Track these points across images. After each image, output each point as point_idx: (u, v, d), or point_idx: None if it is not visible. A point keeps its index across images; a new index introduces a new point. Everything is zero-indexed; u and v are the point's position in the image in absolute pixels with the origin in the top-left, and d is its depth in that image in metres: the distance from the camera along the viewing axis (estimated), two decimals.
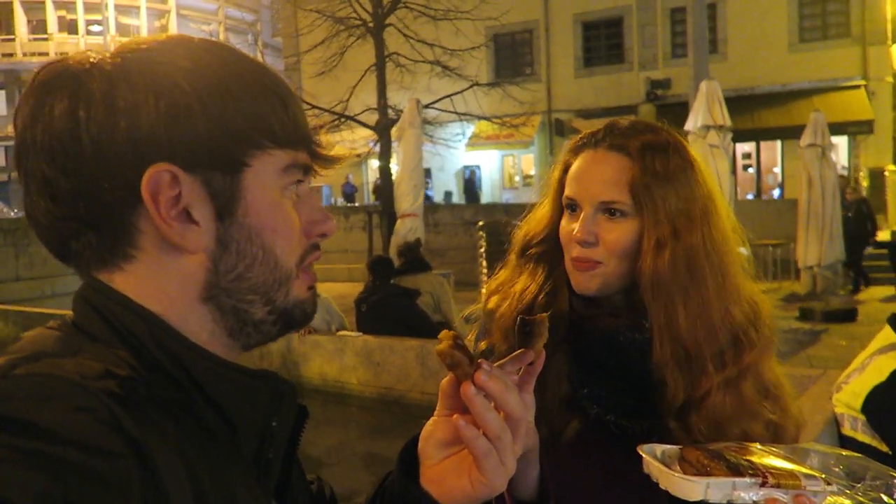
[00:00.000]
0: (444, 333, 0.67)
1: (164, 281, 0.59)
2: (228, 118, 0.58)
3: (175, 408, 0.55)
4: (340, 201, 19.49)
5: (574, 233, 0.97)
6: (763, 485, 0.75)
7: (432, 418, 0.70)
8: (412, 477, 0.69)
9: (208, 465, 0.55)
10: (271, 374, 0.62)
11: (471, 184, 19.02)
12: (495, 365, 0.68)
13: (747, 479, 0.75)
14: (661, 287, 0.93)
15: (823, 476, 0.78)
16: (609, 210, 0.97)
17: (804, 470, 0.78)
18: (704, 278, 0.95)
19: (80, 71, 0.57)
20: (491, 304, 1.06)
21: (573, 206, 1.00)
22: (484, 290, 1.12)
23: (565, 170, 1.04)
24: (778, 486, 0.75)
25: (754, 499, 0.75)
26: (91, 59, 0.58)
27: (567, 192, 1.01)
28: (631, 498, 0.88)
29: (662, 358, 0.93)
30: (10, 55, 29.68)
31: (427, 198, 13.62)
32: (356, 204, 18.48)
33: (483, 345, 1.03)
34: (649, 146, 0.98)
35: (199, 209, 0.58)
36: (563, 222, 1.02)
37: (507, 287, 1.07)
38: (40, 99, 0.56)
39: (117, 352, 0.56)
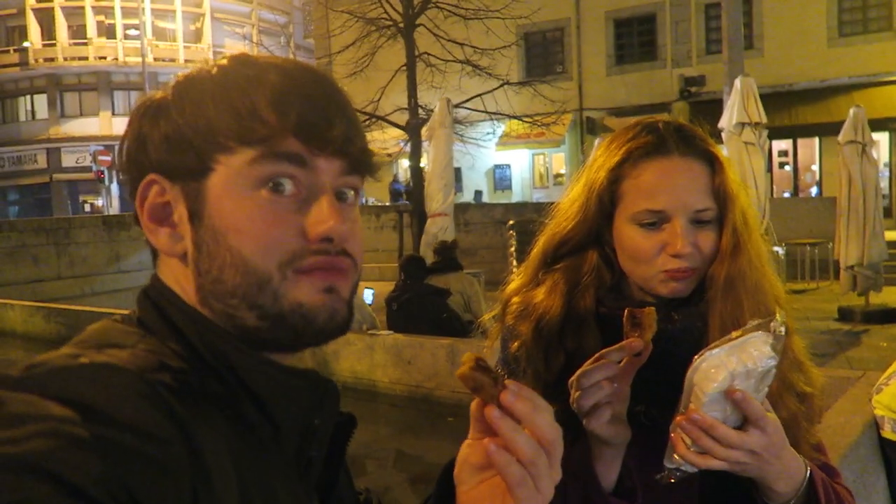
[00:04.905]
0: (465, 356, 0.62)
1: (180, 282, 0.64)
2: (196, 127, 0.61)
3: (222, 402, 0.57)
4: (372, 200, 19.56)
5: (679, 248, 0.96)
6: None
7: (466, 441, 0.67)
8: (449, 503, 0.68)
9: (251, 459, 0.57)
10: (312, 373, 0.63)
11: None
12: (588, 364, 0.74)
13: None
14: (734, 287, 0.97)
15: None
16: (699, 219, 0.98)
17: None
18: (763, 275, 1.01)
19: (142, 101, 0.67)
20: (510, 318, 1.06)
21: (661, 219, 0.98)
22: (502, 294, 1.12)
23: (614, 180, 1.01)
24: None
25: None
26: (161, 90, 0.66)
27: (650, 205, 0.98)
28: (661, 489, 0.87)
29: None
30: (52, 59, 30.48)
31: None
32: (399, 202, 18.45)
33: (515, 345, 1.04)
34: (717, 152, 1.02)
35: (178, 214, 0.63)
36: (640, 238, 0.99)
37: (525, 293, 1.07)
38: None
39: (170, 345, 0.59)
